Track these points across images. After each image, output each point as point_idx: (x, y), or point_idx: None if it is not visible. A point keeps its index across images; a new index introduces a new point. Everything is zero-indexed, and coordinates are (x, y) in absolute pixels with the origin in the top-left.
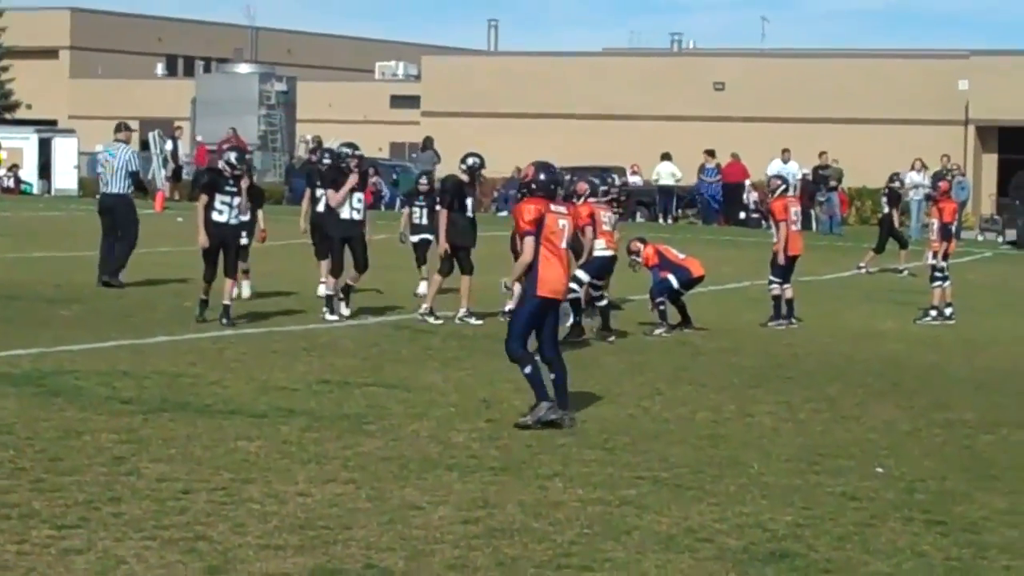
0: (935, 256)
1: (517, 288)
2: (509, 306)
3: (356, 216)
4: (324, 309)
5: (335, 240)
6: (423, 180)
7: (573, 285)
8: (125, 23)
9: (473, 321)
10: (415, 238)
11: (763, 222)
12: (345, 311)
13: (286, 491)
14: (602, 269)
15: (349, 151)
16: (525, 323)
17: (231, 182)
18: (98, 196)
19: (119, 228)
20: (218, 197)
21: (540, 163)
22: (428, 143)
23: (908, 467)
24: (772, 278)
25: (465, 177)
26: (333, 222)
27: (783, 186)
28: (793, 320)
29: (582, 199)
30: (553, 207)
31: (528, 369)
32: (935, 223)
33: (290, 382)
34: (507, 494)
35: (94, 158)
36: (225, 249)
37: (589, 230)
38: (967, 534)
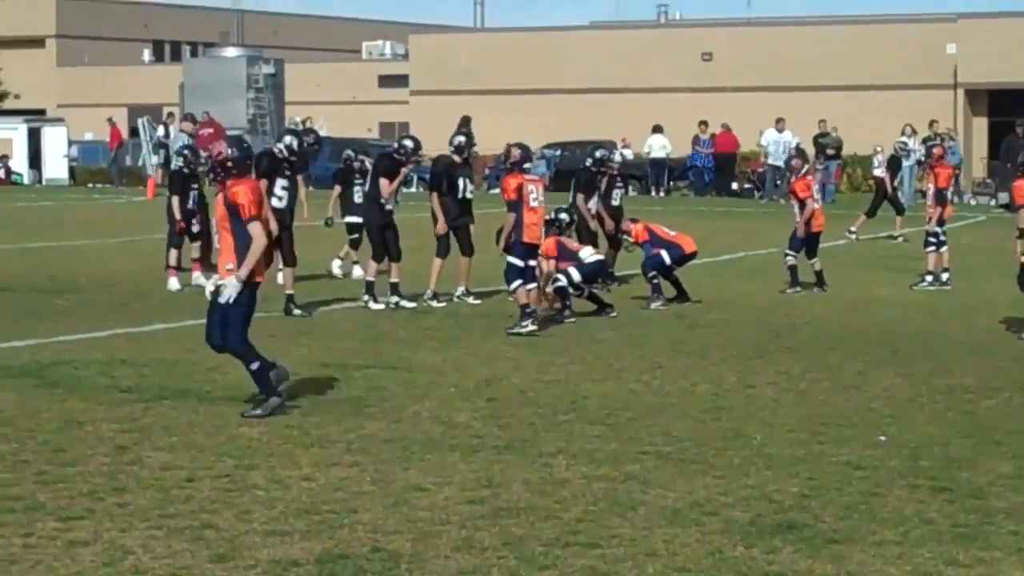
0: (930, 221)
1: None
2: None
3: (389, 206)
4: (366, 297)
5: (375, 228)
6: (361, 157)
7: (560, 277)
8: (111, 10)
9: (471, 300)
10: (350, 219)
11: (755, 192)
12: (397, 300)
13: (290, 476)
14: (594, 274)
15: (411, 145)
16: None
17: (287, 167)
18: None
19: None
20: (278, 182)
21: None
22: (464, 123)
23: (911, 434)
24: (789, 251)
25: (456, 157)
26: (375, 211)
27: (805, 166)
28: (825, 288)
29: (513, 169)
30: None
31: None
32: (931, 188)
33: (289, 366)
34: (511, 473)
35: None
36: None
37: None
38: (973, 500)
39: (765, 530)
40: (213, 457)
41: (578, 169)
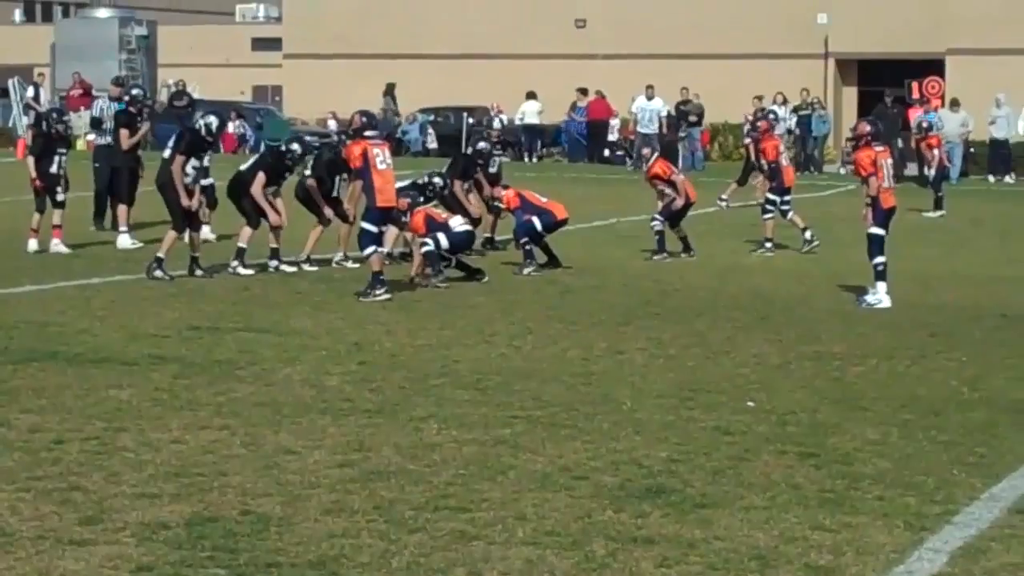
0: (763, 191)
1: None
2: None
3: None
4: (235, 262)
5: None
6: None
7: (428, 240)
8: None
9: (350, 264)
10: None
11: (627, 159)
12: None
13: (160, 439)
14: (462, 245)
15: (298, 150)
16: None
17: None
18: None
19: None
20: (192, 160)
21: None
22: (389, 89)
23: (779, 400)
24: (656, 217)
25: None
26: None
27: (869, 134)
28: (692, 253)
29: (356, 136)
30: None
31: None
32: (764, 164)
33: (160, 329)
34: (382, 437)
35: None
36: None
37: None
38: (840, 465)
39: (634, 494)
40: (82, 419)
41: (458, 153)
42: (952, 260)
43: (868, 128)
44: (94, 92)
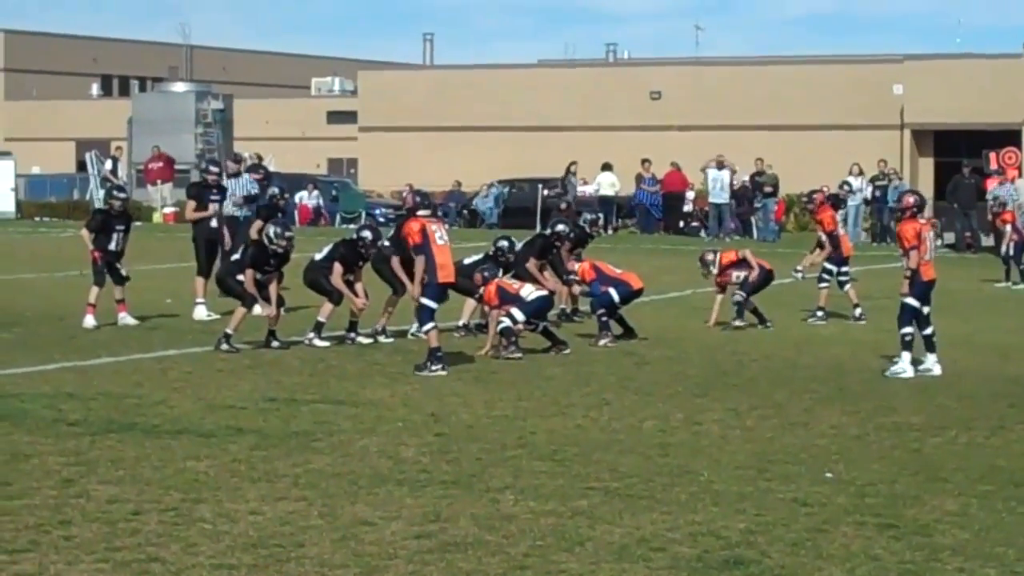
0: (829, 261)
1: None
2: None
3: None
4: (311, 334)
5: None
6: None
7: (504, 319)
8: (59, 44)
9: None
10: None
11: (703, 231)
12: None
13: (237, 510)
14: (540, 310)
15: (370, 237)
16: None
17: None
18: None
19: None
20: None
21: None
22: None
23: (858, 471)
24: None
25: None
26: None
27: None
28: (768, 324)
29: (411, 214)
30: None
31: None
32: (821, 235)
33: (237, 400)
34: (459, 508)
35: None
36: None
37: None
38: (919, 537)
39: (712, 566)
40: (160, 490)
41: (536, 235)
42: None
43: (912, 200)
44: (176, 166)
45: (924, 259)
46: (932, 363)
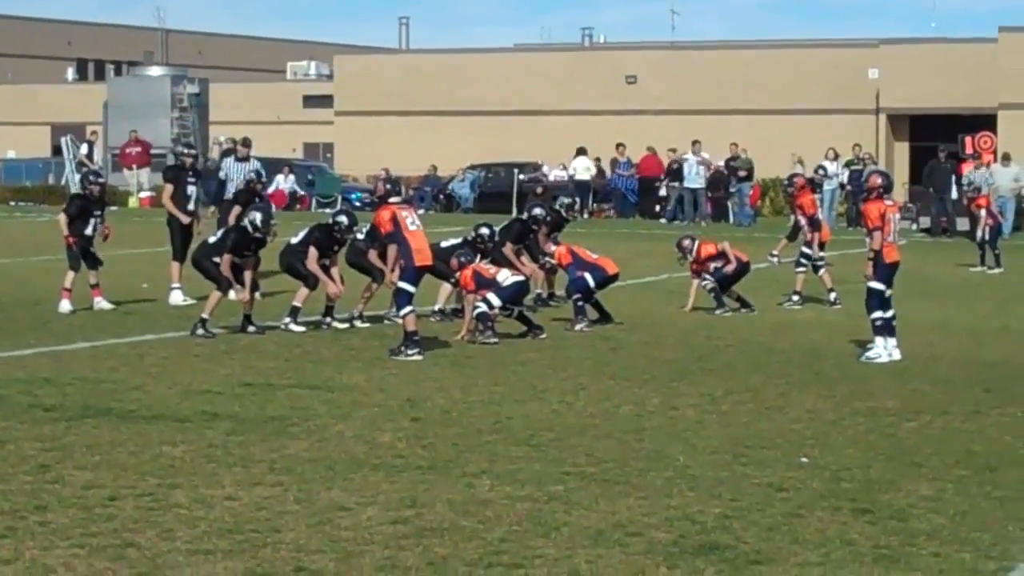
0: (809, 245)
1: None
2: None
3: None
4: (287, 319)
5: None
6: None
7: (480, 304)
8: (34, 28)
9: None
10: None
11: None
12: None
13: (213, 495)
14: (515, 295)
15: (345, 222)
16: None
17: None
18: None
19: None
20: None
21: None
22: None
23: (833, 456)
24: (707, 276)
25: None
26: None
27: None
28: (752, 308)
29: (382, 201)
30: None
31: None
32: (801, 219)
33: (213, 385)
34: (435, 493)
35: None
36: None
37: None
38: (894, 521)
39: (688, 551)
40: (136, 476)
41: (513, 219)
42: (1006, 315)
43: (879, 181)
44: (152, 151)
45: (888, 241)
46: (892, 347)
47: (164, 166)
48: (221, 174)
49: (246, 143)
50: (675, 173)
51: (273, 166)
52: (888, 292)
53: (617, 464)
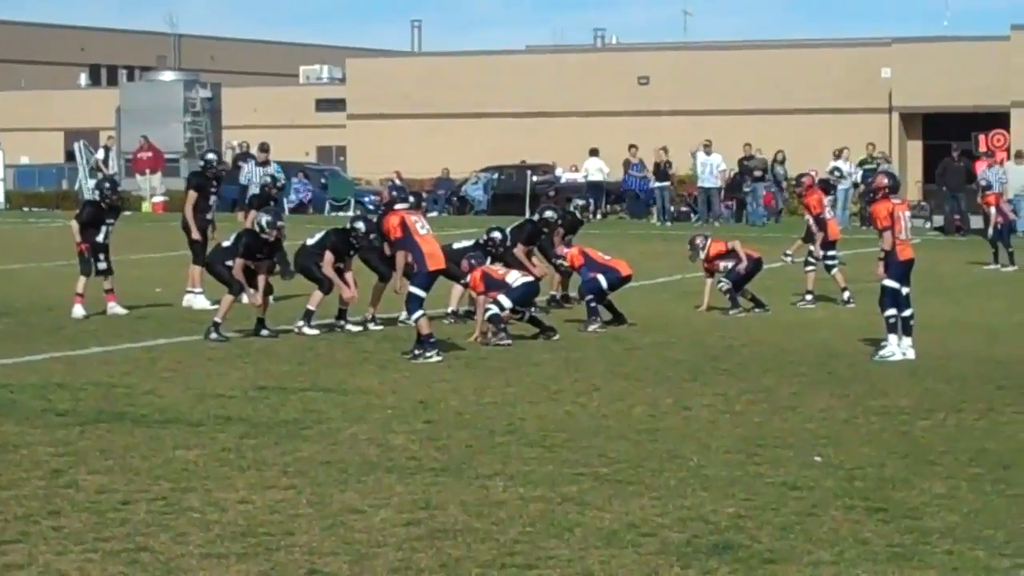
0: (816, 245)
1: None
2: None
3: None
4: (301, 322)
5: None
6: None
7: (491, 306)
8: (47, 34)
9: (372, 327)
10: None
11: (692, 215)
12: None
13: (226, 499)
14: (525, 296)
15: (363, 228)
16: None
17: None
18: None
19: None
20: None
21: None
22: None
23: (847, 455)
24: (723, 278)
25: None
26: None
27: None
28: (766, 308)
29: (389, 208)
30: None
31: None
32: (808, 218)
33: (226, 389)
34: (448, 495)
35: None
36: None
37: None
38: (908, 520)
39: (701, 551)
40: (149, 480)
41: (524, 220)
42: (1019, 313)
43: (885, 181)
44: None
45: (899, 238)
46: (907, 347)
47: (176, 171)
48: (243, 179)
49: (264, 148)
50: (663, 174)
51: (286, 170)
52: (905, 290)
53: (630, 464)
